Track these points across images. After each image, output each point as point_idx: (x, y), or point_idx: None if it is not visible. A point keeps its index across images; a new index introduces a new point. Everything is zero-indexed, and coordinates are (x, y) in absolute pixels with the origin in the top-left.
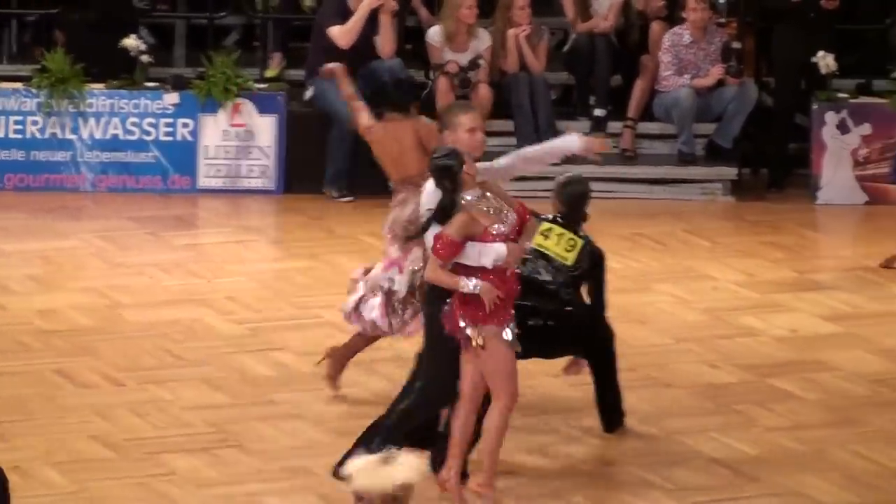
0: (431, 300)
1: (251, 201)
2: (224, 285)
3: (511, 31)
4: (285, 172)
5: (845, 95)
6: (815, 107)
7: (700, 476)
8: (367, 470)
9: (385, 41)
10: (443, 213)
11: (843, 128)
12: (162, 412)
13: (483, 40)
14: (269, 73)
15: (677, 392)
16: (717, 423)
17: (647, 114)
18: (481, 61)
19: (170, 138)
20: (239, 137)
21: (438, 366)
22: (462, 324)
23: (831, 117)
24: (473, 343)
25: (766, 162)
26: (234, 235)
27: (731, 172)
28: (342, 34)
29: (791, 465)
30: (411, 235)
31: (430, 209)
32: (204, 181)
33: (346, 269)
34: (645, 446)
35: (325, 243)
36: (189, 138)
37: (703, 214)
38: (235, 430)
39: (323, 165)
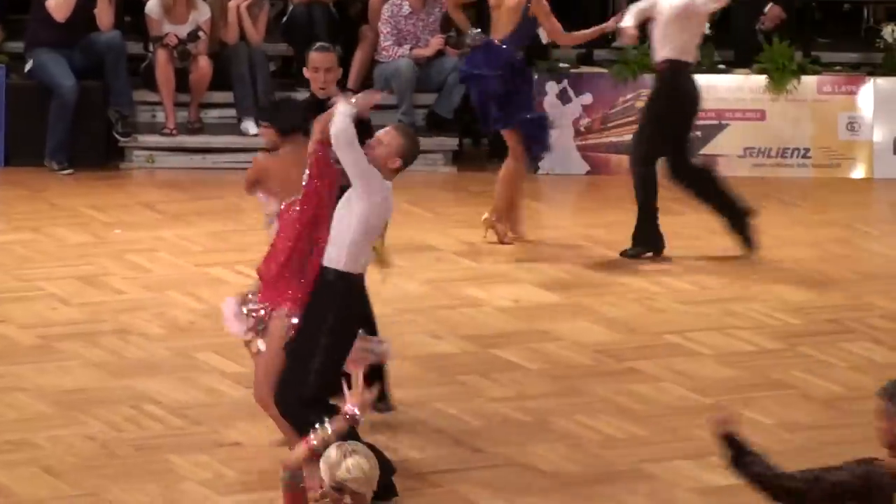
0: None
1: None
2: None
3: (232, 3)
4: (5, 145)
5: (566, 65)
6: (535, 76)
7: (426, 448)
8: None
9: (102, 14)
10: None
11: (564, 97)
12: None
13: (202, 12)
14: None
15: (401, 363)
16: (441, 393)
17: (367, 84)
18: (201, 33)
19: None
20: None
21: None
22: None
23: (552, 87)
24: None
25: (487, 132)
26: None
27: (452, 143)
28: (58, 7)
29: (515, 436)
30: None
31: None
32: None
33: (67, 242)
34: (368, 418)
35: (46, 215)
36: None
37: (424, 185)
38: None
39: (43, 138)
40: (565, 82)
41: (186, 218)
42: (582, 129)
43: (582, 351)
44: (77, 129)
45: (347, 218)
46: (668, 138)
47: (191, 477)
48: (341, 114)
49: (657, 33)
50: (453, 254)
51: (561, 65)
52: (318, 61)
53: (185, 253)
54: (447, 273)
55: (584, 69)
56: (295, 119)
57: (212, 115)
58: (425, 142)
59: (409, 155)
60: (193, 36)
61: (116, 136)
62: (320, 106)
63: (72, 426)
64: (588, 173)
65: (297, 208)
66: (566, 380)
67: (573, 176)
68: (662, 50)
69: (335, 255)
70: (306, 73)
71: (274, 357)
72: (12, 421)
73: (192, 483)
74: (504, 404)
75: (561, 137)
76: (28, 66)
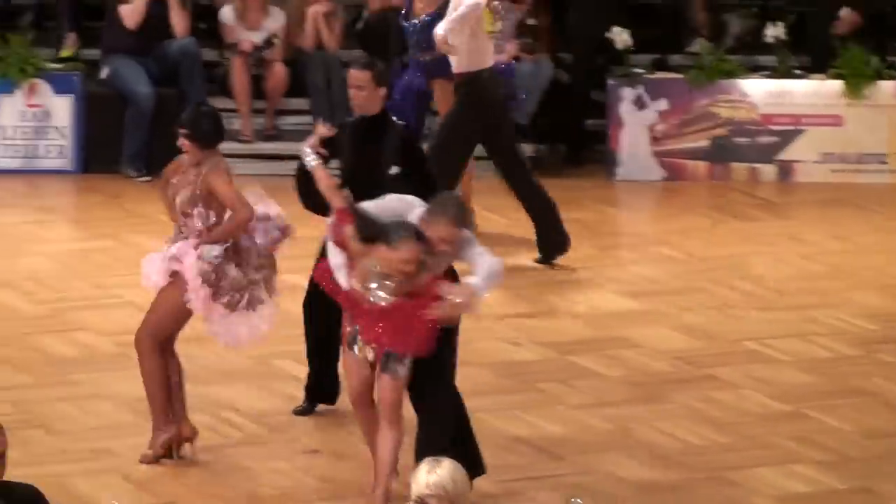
0: None
1: (49, 181)
2: (23, 266)
3: (311, 10)
4: (83, 152)
5: (641, 71)
6: (611, 83)
7: (505, 455)
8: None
9: (176, 20)
10: None
11: (639, 103)
12: None
13: (276, 18)
14: (65, 53)
15: (479, 370)
16: (520, 401)
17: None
18: (276, 39)
19: None
20: (36, 118)
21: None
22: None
23: (628, 93)
24: None
25: (564, 138)
26: (33, 216)
27: (528, 149)
28: (129, 14)
29: (596, 443)
30: None
31: None
32: (1, 161)
33: (144, 249)
34: None
35: (123, 223)
36: None
37: (501, 192)
38: (39, 411)
39: (120, 145)
40: (641, 88)
41: None
42: (658, 134)
43: (661, 358)
44: (153, 136)
45: None
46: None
47: (270, 485)
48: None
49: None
50: (530, 260)
51: (636, 71)
52: (350, 78)
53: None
54: (525, 280)
55: (660, 75)
56: (214, 132)
57: (288, 121)
58: None
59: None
60: (268, 42)
61: None
62: (364, 124)
63: (150, 434)
64: (664, 179)
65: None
66: (645, 387)
67: (649, 182)
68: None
69: None
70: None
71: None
72: (92, 429)
73: (271, 491)
74: (584, 412)
75: (637, 143)
76: (104, 74)
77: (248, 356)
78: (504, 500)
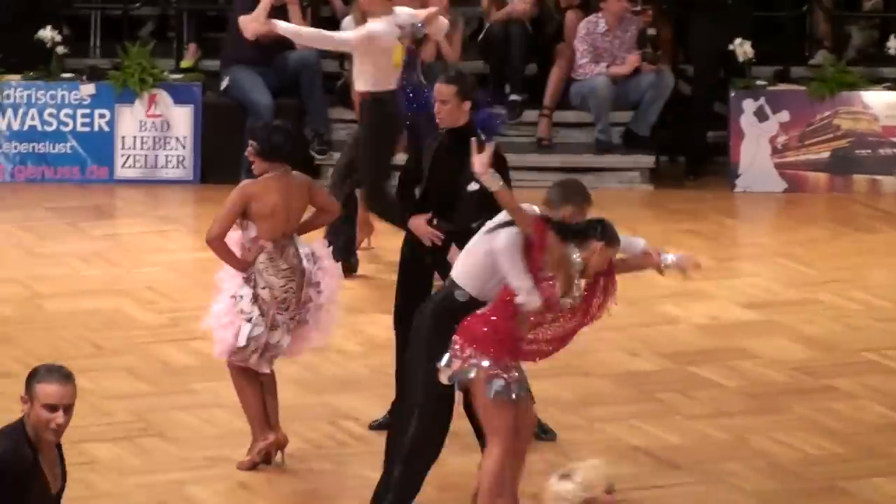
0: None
1: (169, 191)
2: (143, 275)
3: None
4: (202, 162)
5: (763, 83)
6: (732, 94)
7: (622, 464)
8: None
9: None
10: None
11: (761, 115)
12: (83, 402)
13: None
14: (185, 64)
15: (598, 381)
16: (638, 411)
17: (563, 102)
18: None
19: (87, 129)
20: (155, 128)
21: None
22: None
23: (749, 105)
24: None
25: (684, 150)
26: (153, 225)
27: (648, 160)
28: (245, 25)
29: (713, 453)
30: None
31: None
32: (121, 171)
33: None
34: (566, 435)
35: None
36: (106, 129)
37: (621, 203)
38: (157, 419)
39: (239, 155)
40: (762, 100)
41: (386, 233)
42: (779, 146)
43: (779, 368)
44: None
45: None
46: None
47: None
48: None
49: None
50: (650, 271)
51: (758, 83)
52: (436, 92)
53: (385, 269)
54: (645, 290)
55: (782, 87)
56: (279, 145)
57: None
58: (622, 159)
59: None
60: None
61: (313, 153)
62: (449, 138)
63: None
64: (785, 191)
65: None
66: (763, 398)
67: (770, 193)
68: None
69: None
70: None
71: None
72: (210, 437)
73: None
74: (702, 422)
75: (758, 155)
76: (224, 84)
77: (366, 365)
78: None
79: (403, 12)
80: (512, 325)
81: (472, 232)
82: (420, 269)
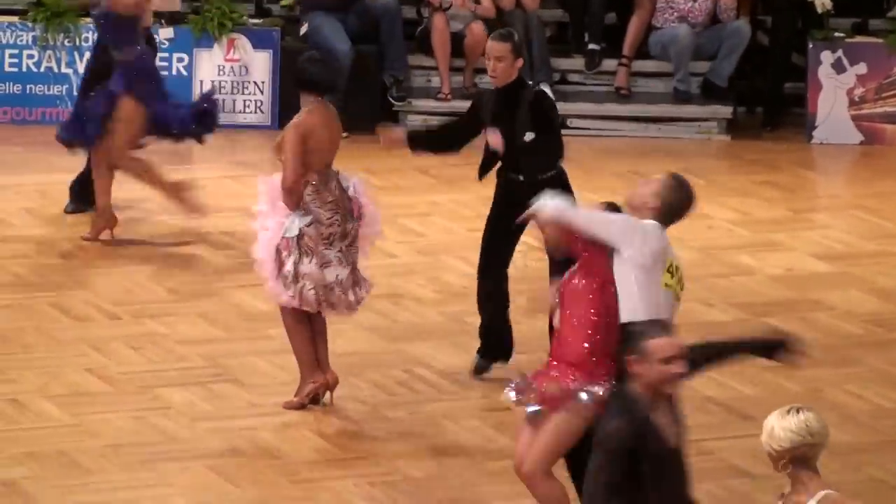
0: None
1: (246, 136)
2: (219, 220)
3: None
4: (280, 108)
5: (841, 35)
6: (810, 46)
7: (697, 415)
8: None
9: None
10: None
11: (838, 67)
12: (157, 346)
13: None
14: (284, 2)
15: None
16: None
17: (642, 51)
18: None
19: (165, 73)
20: (234, 72)
21: None
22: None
23: (827, 56)
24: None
25: (762, 101)
26: (229, 170)
27: (726, 111)
28: None
29: (785, 405)
30: None
31: None
32: None
33: None
34: None
35: None
36: (184, 73)
37: (698, 153)
38: (230, 365)
39: None
40: (840, 52)
41: (460, 183)
42: (856, 98)
43: (853, 321)
44: (351, 92)
45: (623, 271)
46: None
47: (462, 442)
48: (549, 208)
49: None
50: (726, 221)
51: (836, 34)
52: (489, 49)
53: (459, 218)
54: (720, 241)
55: (859, 39)
56: (315, 76)
57: (485, 80)
58: (699, 110)
59: (671, 203)
60: None
61: (391, 100)
62: (502, 93)
63: (344, 389)
64: (861, 143)
65: (580, 281)
66: (837, 349)
67: (847, 145)
68: None
69: (630, 308)
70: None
71: (563, 436)
72: (283, 384)
73: (463, 448)
74: (775, 374)
75: (835, 107)
76: (303, 30)
77: (441, 313)
78: (695, 458)
79: None
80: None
81: (542, 183)
82: (508, 220)
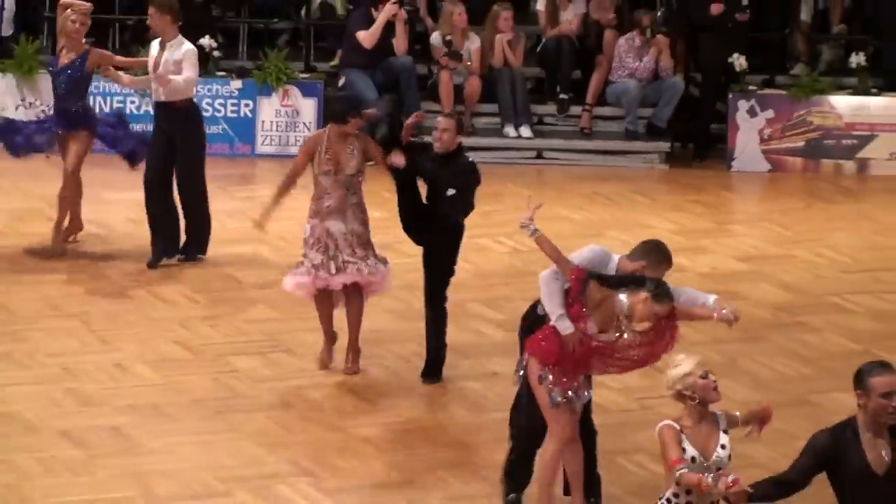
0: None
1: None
2: (276, 228)
3: (497, 37)
4: None
5: (754, 88)
6: (730, 96)
7: (640, 379)
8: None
9: (399, 43)
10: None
11: (752, 112)
12: (228, 324)
13: (474, 41)
14: (333, 63)
15: None
16: None
17: (601, 100)
18: (470, 51)
19: (235, 115)
20: (288, 115)
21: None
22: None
23: (743, 104)
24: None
25: (693, 139)
26: None
27: (665, 146)
28: (367, 37)
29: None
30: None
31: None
32: (261, 148)
33: (370, 216)
34: None
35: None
36: (249, 115)
37: (644, 179)
38: (285, 339)
39: None
40: (753, 101)
41: None
42: (766, 136)
43: (763, 307)
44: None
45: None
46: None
47: (459, 401)
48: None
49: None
50: (666, 231)
51: (750, 87)
52: (437, 123)
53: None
54: None
55: (768, 91)
56: (339, 109)
57: (481, 121)
58: (645, 145)
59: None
60: (456, 55)
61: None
62: (443, 157)
63: (371, 358)
64: (769, 171)
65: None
66: (750, 330)
67: (758, 173)
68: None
69: None
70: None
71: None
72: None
73: (463, 404)
74: (702, 347)
75: (749, 143)
76: (341, 83)
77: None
78: (639, 413)
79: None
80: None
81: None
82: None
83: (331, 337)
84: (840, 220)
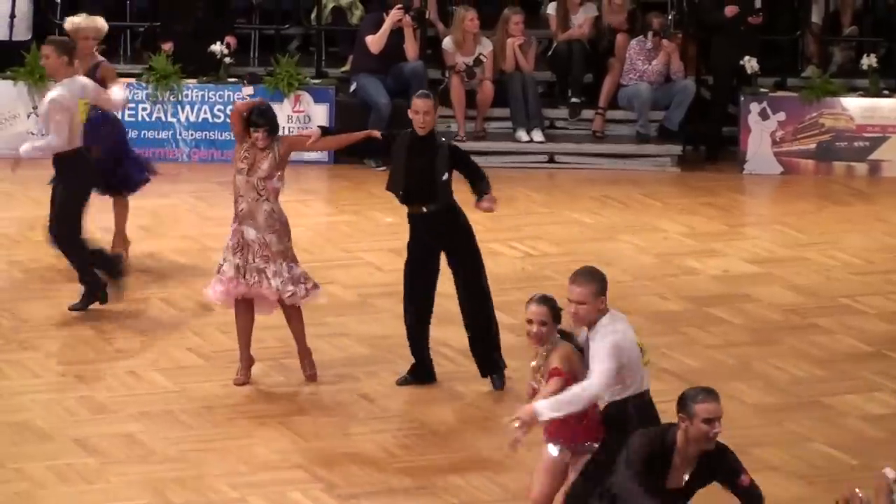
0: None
1: (309, 170)
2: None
3: (509, 41)
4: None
5: (766, 90)
6: (742, 99)
7: (655, 383)
8: None
9: (409, 48)
10: None
11: (763, 115)
12: None
13: (486, 46)
14: (344, 69)
15: (636, 318)
16: (666, 342)
17: (613, 103)
18: (483, 58)
19: None
20: (299, 121)
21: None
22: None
23: (755, 107)
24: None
25: (705, 141)
26: (296, 196)
27: (677, 149)
28: (373, 42)
29: (723, 374)
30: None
31: None
32: None
33: (381, 223)
34: None
35: (366, 202)
36: None
37: (655, 181)
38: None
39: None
40: (765, 103)
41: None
42: (777, 139)
43: (775, 310)
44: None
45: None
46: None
47: (472, 406)
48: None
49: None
50: (677, 234)
51: (762, 90)
52: (419, 105)
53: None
54: (673, 249)
55: (780, 93)
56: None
57: (493, 126)
58: (657, 148)
59: (602, 283)
60: (477, 62)
61: None
62: (420, 141)
63: (383, 364)
64: (781, 173)
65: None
66: (763, 332)
67: (770, 175)
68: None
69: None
70: (410, 113)
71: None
72: (338, 360)
73: (473, 409)
74: (715, 350)
75: (761, 145)
76: (352, 88)
77: (456, 304)
78: None
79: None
80: None
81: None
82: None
83: (247, 358)
84: (852, 222)
